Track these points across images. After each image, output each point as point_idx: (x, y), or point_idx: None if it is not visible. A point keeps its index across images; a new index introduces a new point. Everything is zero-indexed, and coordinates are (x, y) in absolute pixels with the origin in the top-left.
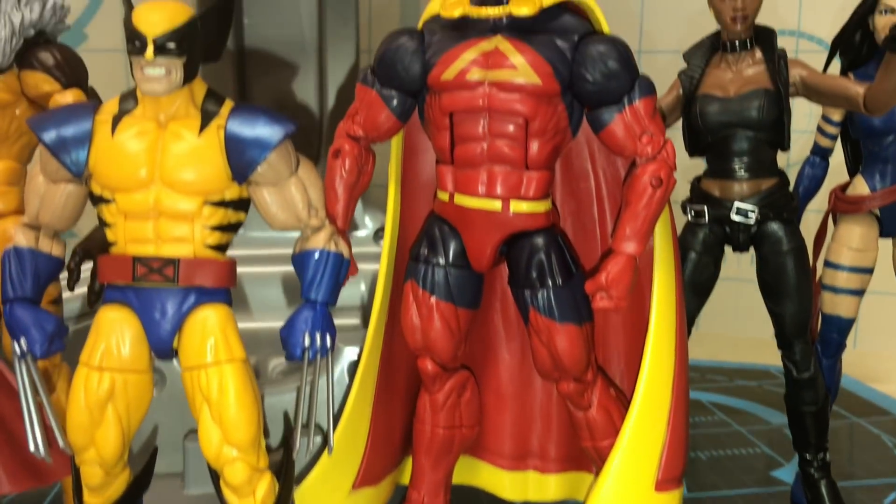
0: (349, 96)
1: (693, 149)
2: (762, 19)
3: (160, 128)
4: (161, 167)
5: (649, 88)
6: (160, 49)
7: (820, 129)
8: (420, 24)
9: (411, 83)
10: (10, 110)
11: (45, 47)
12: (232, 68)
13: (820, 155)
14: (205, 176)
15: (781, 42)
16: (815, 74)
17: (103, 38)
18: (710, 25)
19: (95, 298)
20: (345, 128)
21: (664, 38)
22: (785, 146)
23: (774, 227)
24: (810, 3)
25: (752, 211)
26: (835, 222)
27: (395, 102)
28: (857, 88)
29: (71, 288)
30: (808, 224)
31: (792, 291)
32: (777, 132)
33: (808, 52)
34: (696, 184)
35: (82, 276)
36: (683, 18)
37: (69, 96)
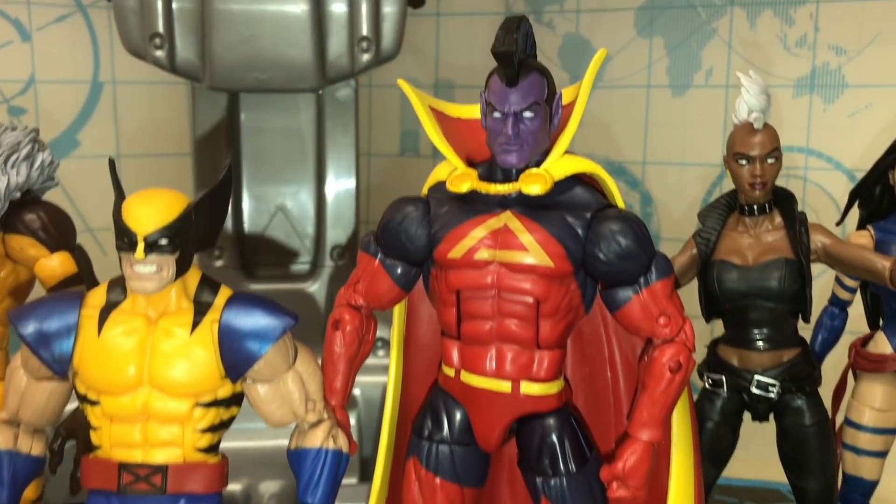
0: (347, 203)
1: (709, 314)
2: None
3: (150, 324)
4: (150, 368)
5: (667, 268)
6: (151, 246)
7: (839, 281)
8: (425, 189)
9: (416, 254)
10: None
11: (31, 209)
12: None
13: (839, 306)
14: (197, 377)
15: (789, 160)
16: (838, 244)
17: (96, 145)
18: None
19: (78, 487)
20: (345, 296)
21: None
22: (807, 317)
23: (797, 400)
24: (819, 120)
25: (774, 385)
26: (854, 377)
27: (398, 273)
28: (882, 262)
29: (53, 471)
30: (827, 373)
31: (815, 467)
32: (799, 303)
33: (818, 170)
34: (712, 349)
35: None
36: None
37: (55, 260)
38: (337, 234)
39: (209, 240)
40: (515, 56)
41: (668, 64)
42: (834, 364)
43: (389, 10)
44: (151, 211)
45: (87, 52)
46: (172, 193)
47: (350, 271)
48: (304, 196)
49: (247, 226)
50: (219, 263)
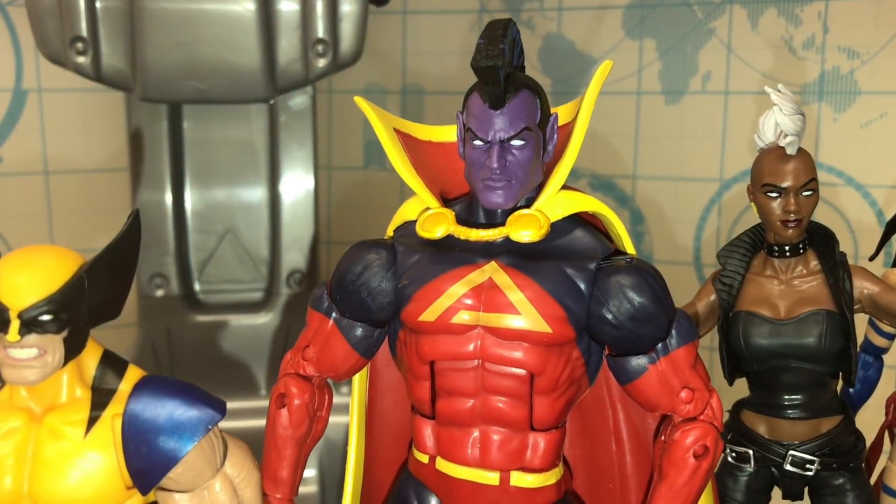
0: (302, 221)
1: (733, 374)
2: None
3: (33, 422)
4: (32, 480)
5: (690, 332)
6: (29, 325)
7: (874, 325)
8: (390, 230)
9: (380, 314)
10: None
11: None
12: (170, 182)
13: (874, 354)
14: (93, 490)
15: None
16: (887, 293)
17: (20, 161)
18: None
19: None
20: (292, 364)
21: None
22: (851, 381)
23: (838, 477)
24: (829, 131)
25: (812, 462)
26: (891, 437)
27: (357, 336)
28: None
29: None
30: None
31: None
32: (841, 363)
33: (828, 185)
34: (735, 415)
35: None
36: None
37: None
38: (294, 257)
39: (111, 309)
40: (502, 71)
41: (660, 68)
42: (870, 417)
43: (348, 8)
44: (29, 278)
45: (7, 56)
46: (58, 253)
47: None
48: (257, 215)
49: (192, 250)
50: (160, 293)
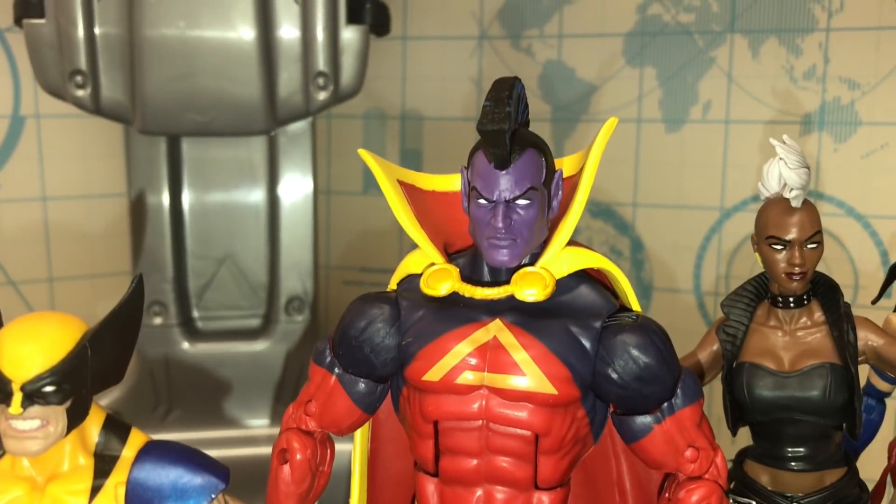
0: (302, 247)
1: (736, 424)
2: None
3: (35, 491)
4: None
5: (696, 391)
6: (32, 397)
7: (876, 369)
8: (393, 283)
9: (383, 370)
10: None
11: None
12: (169, 208)
13: (876, 397)
14: None
15: None
16: (891, 345)
17: (19, 187)
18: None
19: None
20: (295, 419)
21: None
22: (855, 434)
23: None
24: (829, 162)
25: None
26: (894, 482)
27: (360, 392)
28: None
29: None
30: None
31: None
32: (845, 416)
33: (829, 216)
34: (738, 465)
35: None
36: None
37: None
38: (293, 284)
39: (115, 375)
40: (507, 134)
41: (660, 96)
42: (871, 459)
43: (350, 39)
44: (32, 349)
45: (5, 82)
46: (61, 322)
47: (308, 327)
48: (256, 241)
49: (190, 276)
50: (158, 321)
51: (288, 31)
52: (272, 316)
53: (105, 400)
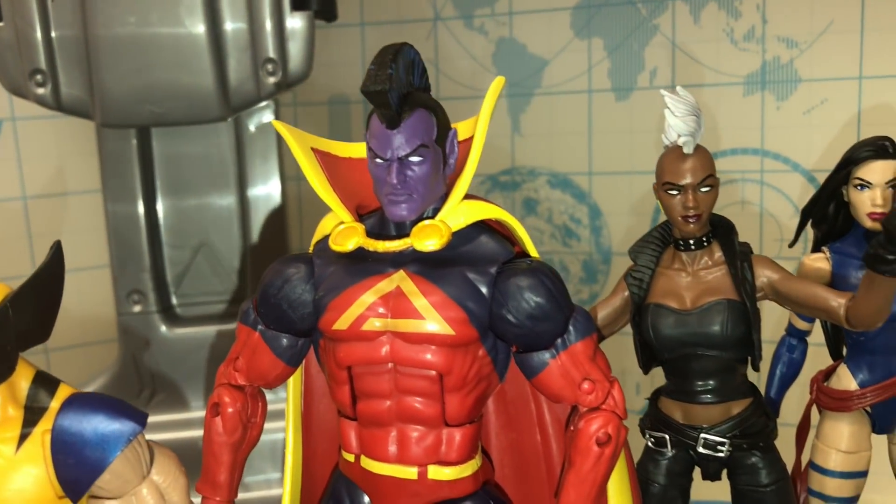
0: (274, 232)
1: (647, 364)
2: (726, 137)
3: None
4: None
5: (588, 326)
6: None
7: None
8: (311, 245)
9: (301, 324)
10: None
11: None
12: (143, 200)
13: (797, 336)
14: (27, 501)
15: (746, 162)
16: (786, 280)
17: None
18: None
19: None
20: (225, 375)
21: None
22: (756, 365)
23: (751, 457)
24: (772, 119)
25: (723, 444)
26: (819, 412)
27: (282, 346)
28: (837, 300)
29: None
30: (790, 407)
31: None
32: (745, 348)
33: (774, 172)
34: (653, 402)
35: None
36: None
37: None
38: (267, 267)
39: (39, 334)
40: (391, 94)
41: (609, 66)
42: (798, 397)
43: (295, 27)
44: None
45: None
46: None
47: None
48: (229, 228)
49: (167, 265)
50: (137, 309)
51: (235, 21)
52: (248, 299)
53: (92, 387)
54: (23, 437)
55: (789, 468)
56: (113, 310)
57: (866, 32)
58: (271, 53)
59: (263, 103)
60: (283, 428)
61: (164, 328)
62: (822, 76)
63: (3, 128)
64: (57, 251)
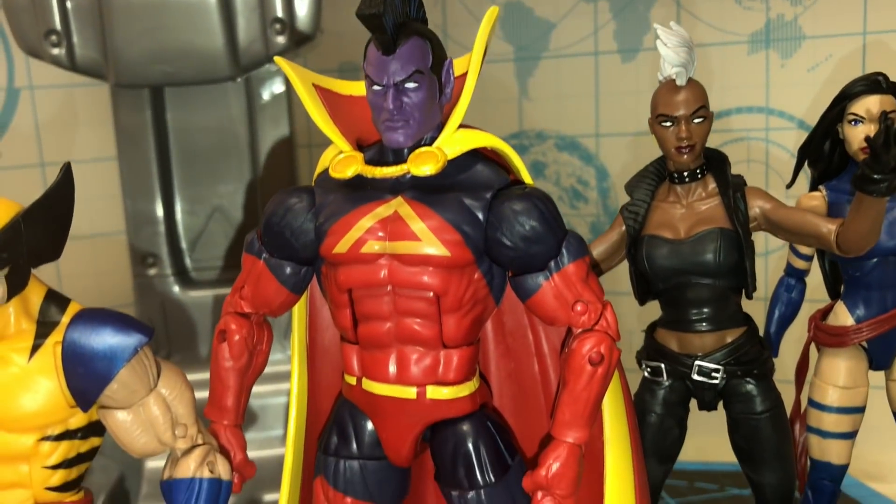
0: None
1: (643, 296)
2: (731, 96)
3: None
4: None
5: (580, 249)
6: None
7: (793, 249)
8: (314, 177)
9: (304, 251)
10: None
11: None
12: (157, 167)
13: (795, 276)
14: (39, 408)
15: (751, 121)
16: (778, 208)
17: (18, 155)
18: None
19: None
20: (231, 303)
21: None
22: (749, 293)
23: (745, 385)
24: (777, 77)
25: (717, 370)
26: (818, 350)
27: (286, 273)
28: (828, 226)
29: None
30: (790, 349)
31: (771, 459)
32: (739, 277)
33: (780, 129)
34: (650, 333)
35: None
36: None
37: None
38: None
39: (50, 251)
40: (386, 18)
41: (615, 28)
42: (798, 337)
43: None
44: None
45: None
46: None
47: None
48: (242, 195)
49: (182, 229)
50: (153, 272)
51: None
52: None
53: None
54: (35, 348)
55: (788, 413)
56: (129, 274)
57: None
58: (279, 13)
59: (274, 69)
60: (289, 391)
61: (178, 290)
62: (826, 33)
63: (21, 96)
64: (67, 172)
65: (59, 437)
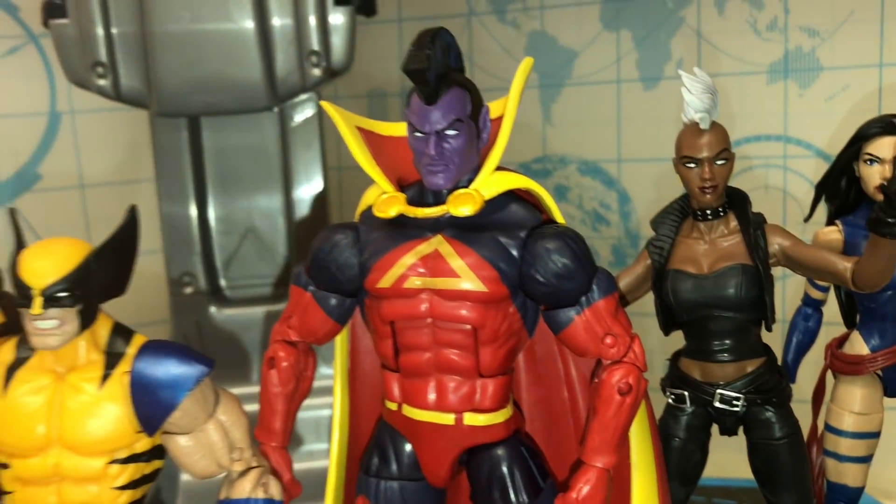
0: (317, 218)
1: (667, 326)
2: (750, 124)
3: (58, 380)
4: (60, 427)
5: (609, 285)
6: (49, 301)
7: (810, 280)
8: (357, 214)
9: (348, 285)
10: None
11: None
12: (193, 189)
13: (812, 306)
14: (109, 433)
15: (770, 148)
16: (797, 246)
17: (58, 177)
18: None
19: None
20: (279, 332)
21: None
22: (768, 326)
23: (765, 412)
24: (795, 106)
25: (738, 399)
26: (834, 377)
27: (331, 305)
28: (844, 264)
29: None
30: (806, 375)
31: (788, 482)
32: (759, 310)
33: (798, 158)
34: (674, 362)
35: None
36: None
37: None
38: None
39: (117, 288)
40: (430, 72)
41: (637, 57)
42: (814, 365)
43: (338, 21)
44: (47, 263)
45: (42, 82)
46: (71, 242)
47: None
48: (275, 216)
49: (216, 250)
50: (188, 290)
51: (282, 16)
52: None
53: None
54: (104, 378)
55: (805, 436)
56: (165, 293)
57: (886, 21)
58: (315, 46)
59: (306, 96)
60: (325, 405)
61: (213, 309)
62: (843, 64)
63: (63, 120)
64: (132, 214)
65: (126, 461)
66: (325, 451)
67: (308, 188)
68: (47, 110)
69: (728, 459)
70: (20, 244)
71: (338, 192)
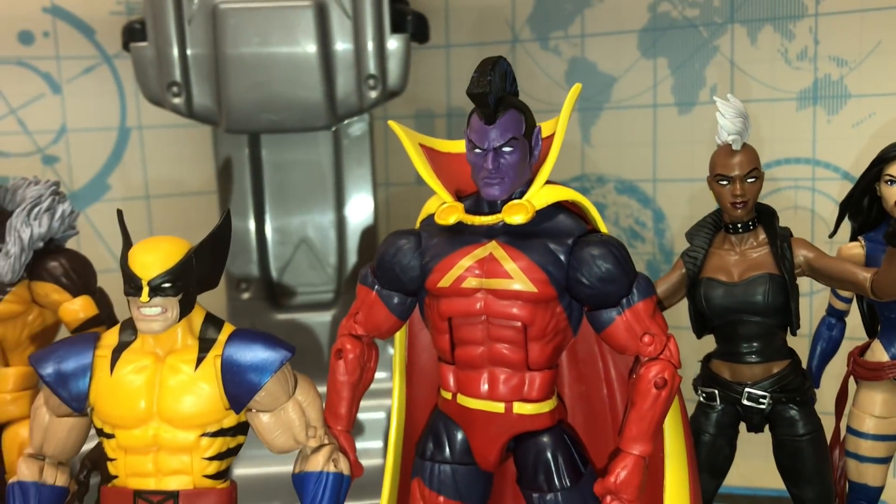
0: (366, 231)
1: (700, 330)
2: (781, 148)
3: (158, 362)
4: (159, 403)
5: (648, 289)
6: (155, 290)
7: (834, 291)
8: (418, 222)
9: (410, 284)
10: (21, 319)
11: (53, 257)
12: (252, 202)
13: (836, 316)
14: (202, 409)
15: (799, 171)
16: (820, 258)
17: (126, 188)
18: None
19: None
20: (346, 327)
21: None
22: (793, 330)
23: (789, 411)
24: (824, 132)
25: (764, 397)
26: (856, 382)
27: (394, 303)
28: (863, 274)
29: (80, 501)
30: (830, 382)
31: (810, 476)
32: (785, 316)
33: (825, 180)
34: (705, 363)
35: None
36: None
37: (77, 304)
38: (357, 263)
39: (211, 281)
40: (490, 96)
41: (672, 83)
42: (837, 372)
43: (394, 47)
44: (154, 257)
45: (113, 100)
46: (174, 240)
47: None
48: (326, 227)
49: (272, 258)
50: (246, 296)
51: (343, 42)
52: (341, 290)
53: None
54: (199, 360)
55: (829, 439)
56: (224, 297)
57: None
58: (373, 70)
59: (359, 116)
60: (375, 407)
61: (267, 313)
62: (870, 92)
63: (132, 135)
64: (226, 217)
65: (215, 434)
66: (377, 451)
67: (358, 202)
68: (118, 125)
69: (754, 469)
70: (128, 242)
71: (385, 207)
